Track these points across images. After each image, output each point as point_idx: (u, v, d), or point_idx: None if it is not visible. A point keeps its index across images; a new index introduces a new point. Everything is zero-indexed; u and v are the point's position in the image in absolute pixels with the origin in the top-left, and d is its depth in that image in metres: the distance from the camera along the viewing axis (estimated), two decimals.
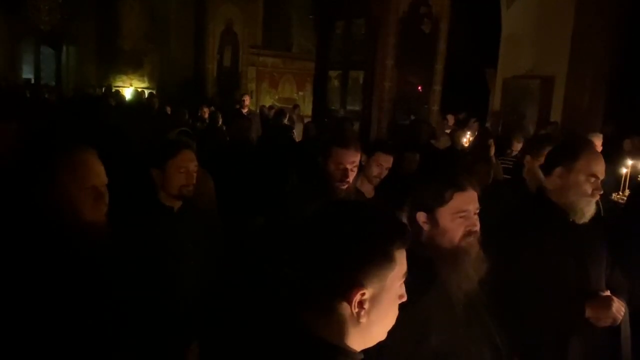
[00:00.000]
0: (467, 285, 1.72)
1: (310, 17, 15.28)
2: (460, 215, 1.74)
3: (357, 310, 1.07)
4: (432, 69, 9.74)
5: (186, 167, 2.40)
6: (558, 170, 2.22)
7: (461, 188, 1.76)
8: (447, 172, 1.89)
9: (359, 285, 1.06)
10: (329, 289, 1.08)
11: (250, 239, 3.48)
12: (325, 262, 1.08)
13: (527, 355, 2.00)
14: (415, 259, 1.69)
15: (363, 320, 1.08)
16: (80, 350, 1.63)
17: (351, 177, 2.74)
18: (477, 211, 1.77)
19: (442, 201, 1.74)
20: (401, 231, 1.13)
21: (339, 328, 1.09)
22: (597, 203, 2.25)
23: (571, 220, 2.18)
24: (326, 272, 1.08)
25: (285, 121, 8.93)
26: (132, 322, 1.80)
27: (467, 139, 6.86)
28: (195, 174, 2.44)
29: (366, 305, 1.07)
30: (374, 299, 1.08)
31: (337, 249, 1.08)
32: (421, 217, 1.77)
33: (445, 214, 1.74)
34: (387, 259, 1.08)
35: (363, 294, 1.06)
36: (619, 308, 2.07)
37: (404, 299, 1.15)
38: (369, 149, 3.41)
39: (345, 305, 1.07)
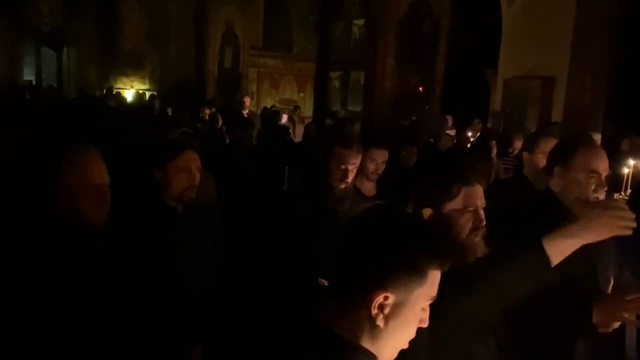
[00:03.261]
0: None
1: (311, 18, 15.27)
2: (468, 210, 1.72)
3: (376, 312, 1.06)
4: (432, 69, 9.74)
5: (188, 168, 2.36)
6: (557, 169, 2.18)
7: (468, 182, 1.74)
8: (453, 168, 1.88)
9: (384, 287, 1.06)
10: (356, 285, 1.08)
11: (251, 238, 3.47)
12: (359, 258, 1.09)
13: (533, 357, 1.98)
14: None
15: (380, 323, 1.07)
16: (82, 351, 1.62)
17: (350, 177, 2.77)
18: (484, 206, 1.76)
19: (449, 196, 1.72)
20: (442, 253, 1.12)
21: (356, 327, 1.08)
22: None
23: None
24: (357, 268, 1.09)
25: (283, 122, 8.93)
26: (135, 323, 1.80)
27: (469, 138, 6.84)
28: (198, 175, 2.40)
29: (386, 310, 1.06)
30: (395, 307, 1.07)
31: (373, 249, 1.08)
32: (427, 213, 1.76)
33: (452, 209, 1.72)
34: (418, 273, 1.08)
35: (386, 297, 1.06)
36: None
37: (425, 324, 1.14)
38: (363, 146, 3.41)
39: (366, 305, 1.06)
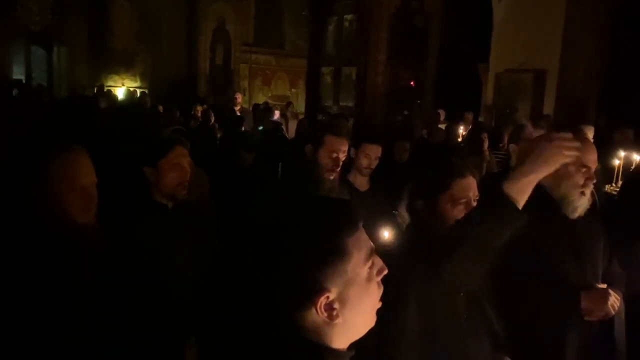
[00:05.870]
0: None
1: (303, 13, 15.24)
2: (460, 202, 1.75)
3: (325, 314, 1.01)
4: (424, 64, 9.78)
5: (180, 164, 2.37)
6: None
7: (461, 175, 1.77)
8: (446, 161, 1.91)
9: (321, 290, 1.00)
10: (293, 299, 1.02)
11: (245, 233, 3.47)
12: (279, 276, 1.02)
13: (524, 349, 2.00)
14: (417, 247, 1.70)
15: (337, 319, 1.02)
16: (75, 350, 1.62)
17: (339, 166, 2.79)
18: (477, 198, 1.78)
19: (443, 188, 1.76)
20: (345, 218, 1.05)
21: (317, 331, 1.04)
22: (592, 194, 2.24)
23: (564, 214, 2.16)
24: (284, 285, 1.02)
25: (275, 118, 8.92)
26: (129, 322, 1.79)
27: (461, 132, 6.86)
28: (188, 170, 2.41)
29: (336, 305, 1.02)
30: (342, 297, 1.02)
31: (286, 262, 1.01)
32: (421, 205, 1.78)
33: (445, 201, 1.75)
34: (339, 255, 1.01)
35: (327, 297, 1.01)
36: (614, 302, 2.07)
37: (384, 272, 1.08)
38: (356, 141, 3.43)
39: (314, 311, 1.01)
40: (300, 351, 1.03)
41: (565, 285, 2.11)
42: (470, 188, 1.77)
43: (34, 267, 1.58)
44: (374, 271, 1.07)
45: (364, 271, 1.05)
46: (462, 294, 1.71)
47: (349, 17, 12.35)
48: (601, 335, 2.15)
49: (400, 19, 9.59)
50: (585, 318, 2.08)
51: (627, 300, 2.20)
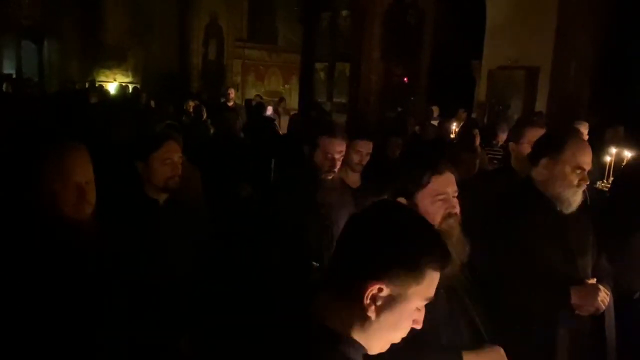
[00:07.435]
0: (448, 268, 1.71)
1: (296, 9, 15.21)
2: (439, 198, 1.75)
3: (368, 302, 1.06)
4: (418, 61, 9.78)
5: (171, 158, 2.38)
6: (544, 161, 2.22)
7: (438, 171, 1.77)
8: (424, 157, 1.91)
9: (379, 279, 1.06)
10: (352, 276, 1.08)
11: (240, 230, 3.47)
12: (358, 249, 1.10)
13: (515, 343, 2.01)
14: None
15: (371, 315, 1.07)
16: (70, 347, 1.61)
17: (337, 166, 2.79)
18: (456, 194, 1.78)
19: (421, 185, 1.75)
20: (441, 254, 1.12)
21: (348, 319, 1.09)
22: (583, 192, 2.26)
23: (558, 209, 2.19)
24: (355, 259, 1.09)
25: (268, 114, 8.91)
26: (121, 317, 1.79)
27: (453, 129, 6.89)
28: (180, 165, 2.42)
29: (379, 302, 1.06)
30: (388, 300, 1.07)
31: (374, 241, 1.09)
32: (401, 202, 1.78)
33: (424, 198, 1.75)
34: (415, 269, 1.07)
35: (380, 290, 1.06)
36: (604, 298, 2.09)
37: (418, 325, 1.14)
38: (348, 138, 3.42)
39: (359, 296, 1.06)
40: (320, 337, 1.08)
41: (555, 281, 2.12)
42: (448, 183, 1.78)
43: (30, 264, 1.57)
44: (415, 315, 1.12)
45: (415, 303, 1.10)
46: (441, 290, 1.71)
47: (342, 13, 12.33)
48: (592, 330, 2.17)
49: (393, 15, 9.59)
50: (576, 313, 2.09)
51: (617, 295, 2.22)
